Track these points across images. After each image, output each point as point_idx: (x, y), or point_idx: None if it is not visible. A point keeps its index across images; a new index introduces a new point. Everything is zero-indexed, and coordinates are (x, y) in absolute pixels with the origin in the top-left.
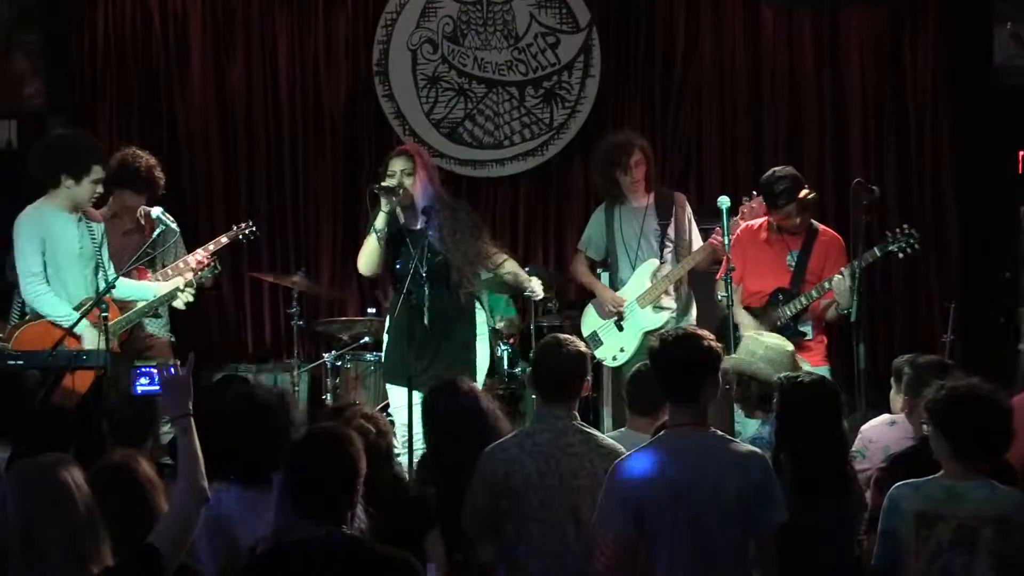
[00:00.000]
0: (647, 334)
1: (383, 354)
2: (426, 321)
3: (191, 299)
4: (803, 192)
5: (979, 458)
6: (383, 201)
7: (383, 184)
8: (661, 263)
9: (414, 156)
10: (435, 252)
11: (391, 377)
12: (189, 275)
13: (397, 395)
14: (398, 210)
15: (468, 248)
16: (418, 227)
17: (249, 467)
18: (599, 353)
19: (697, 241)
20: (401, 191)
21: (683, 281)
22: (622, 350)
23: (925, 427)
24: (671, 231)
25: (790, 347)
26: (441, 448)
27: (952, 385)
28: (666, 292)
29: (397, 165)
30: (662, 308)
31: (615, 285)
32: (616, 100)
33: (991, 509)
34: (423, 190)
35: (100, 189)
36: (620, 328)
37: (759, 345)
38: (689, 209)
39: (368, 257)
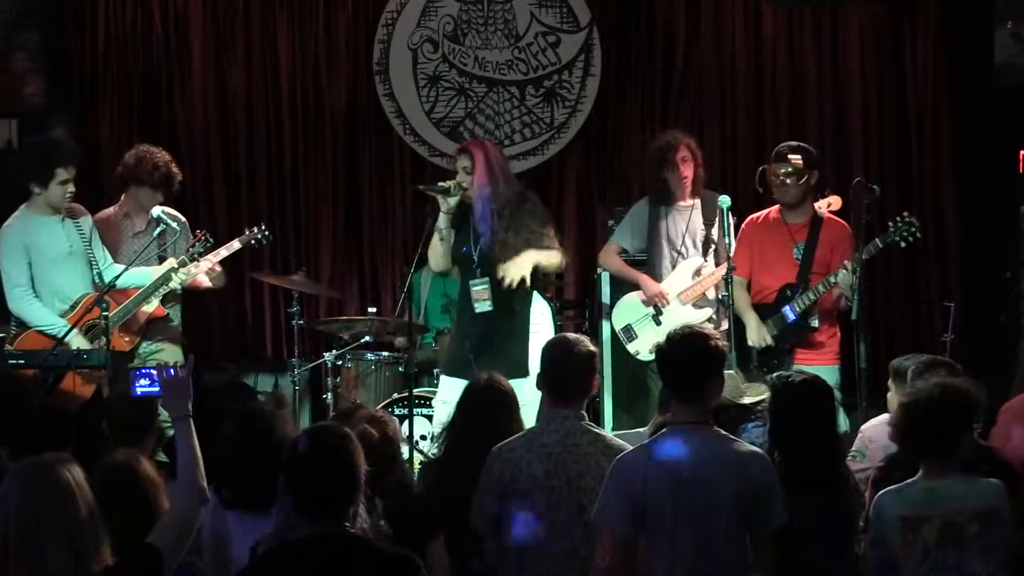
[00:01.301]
0: None
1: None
2: (475, 311)
3: (185, 277)
4: (811, 169)
5: (936, 459)
6: (440, 200)
7: (439, 184)
8: (704, 262)
9: (472, 153)
10: (483, 245)
11: (444, 368)
12: (205, 266)
13: (447, 387)
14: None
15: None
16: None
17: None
18: (632, 347)
19: (733, 244)
20: (456, 190)
21: (719, 287)
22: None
23: None
24: (715, 232)
25: (729, 371)
26: (465, 445)
27: (911, 391)
28: (707, 291)
29: (460, 163)
30: (704, 305)
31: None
32: (617, 99)
33: (973, 503)
34: (479, 188)
35: (71, 188)
36: (658, 323)
37: None
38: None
39: (433, 256)
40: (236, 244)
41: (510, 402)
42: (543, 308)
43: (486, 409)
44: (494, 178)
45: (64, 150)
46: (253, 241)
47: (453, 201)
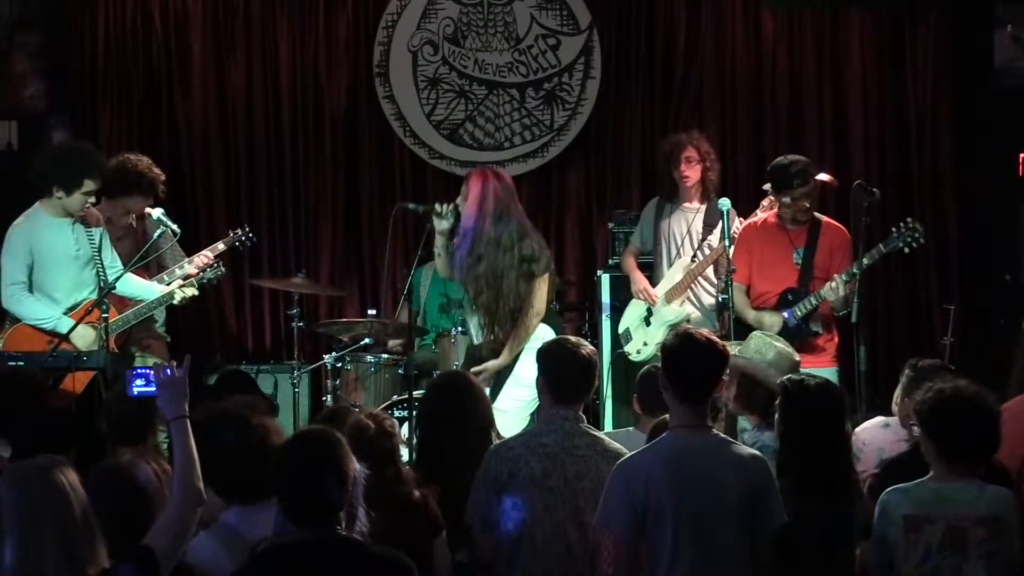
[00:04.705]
0: (671, 328)
1: None
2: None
3: (195, 292)
4: (817, 176)
5: (965, 460)
6: (434, 220)
7: (432, 206)
8: (694, 264)
9: (470, 181)
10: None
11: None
12: (194, 269)
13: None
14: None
15: (494, 300)
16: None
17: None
18: (628, 347)
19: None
20: (449, 214)
21: (719, 291)
22: (645, 344)
23: (915, 429)
24: (713, 237)
25: (797, 357)
26: (441, 443)
27: (939, 387)
28: (692, 288)
29: (463, 187)
30: (687, 302)
31: (655, 280)
32: (617, 102)
33: (981, 509)
34: (465, 219)
35: (92, 200)
36: (648, 323)
37: (769, 347)
38: (737, 221)
39: (440, 268)
40: (220, 246)
41: (472, 394)
42: (548, 333)
43: (449, 402)
44: (483, 208)
45: (97, 162)
46: (237, 243)
47: (445, 224)
